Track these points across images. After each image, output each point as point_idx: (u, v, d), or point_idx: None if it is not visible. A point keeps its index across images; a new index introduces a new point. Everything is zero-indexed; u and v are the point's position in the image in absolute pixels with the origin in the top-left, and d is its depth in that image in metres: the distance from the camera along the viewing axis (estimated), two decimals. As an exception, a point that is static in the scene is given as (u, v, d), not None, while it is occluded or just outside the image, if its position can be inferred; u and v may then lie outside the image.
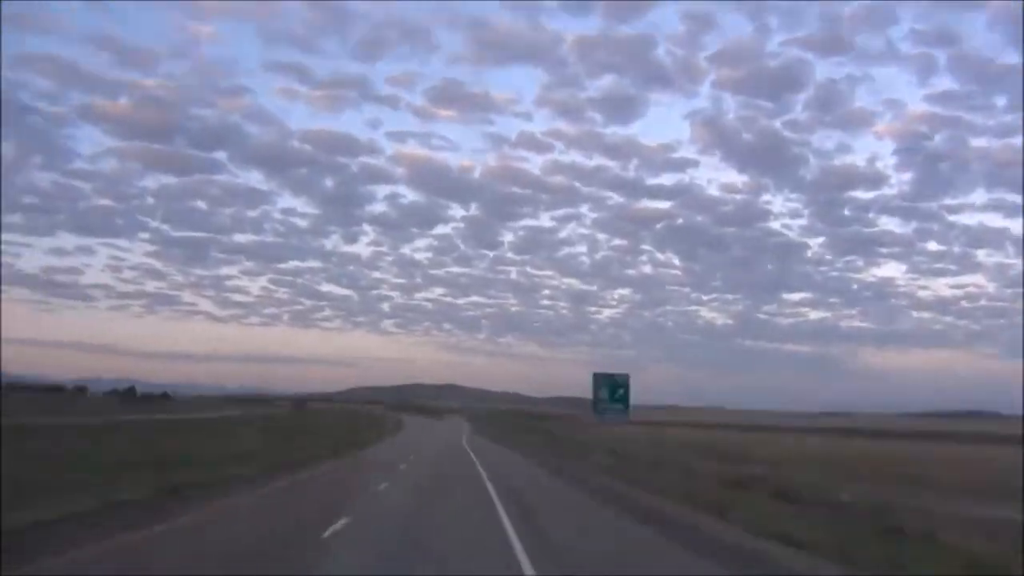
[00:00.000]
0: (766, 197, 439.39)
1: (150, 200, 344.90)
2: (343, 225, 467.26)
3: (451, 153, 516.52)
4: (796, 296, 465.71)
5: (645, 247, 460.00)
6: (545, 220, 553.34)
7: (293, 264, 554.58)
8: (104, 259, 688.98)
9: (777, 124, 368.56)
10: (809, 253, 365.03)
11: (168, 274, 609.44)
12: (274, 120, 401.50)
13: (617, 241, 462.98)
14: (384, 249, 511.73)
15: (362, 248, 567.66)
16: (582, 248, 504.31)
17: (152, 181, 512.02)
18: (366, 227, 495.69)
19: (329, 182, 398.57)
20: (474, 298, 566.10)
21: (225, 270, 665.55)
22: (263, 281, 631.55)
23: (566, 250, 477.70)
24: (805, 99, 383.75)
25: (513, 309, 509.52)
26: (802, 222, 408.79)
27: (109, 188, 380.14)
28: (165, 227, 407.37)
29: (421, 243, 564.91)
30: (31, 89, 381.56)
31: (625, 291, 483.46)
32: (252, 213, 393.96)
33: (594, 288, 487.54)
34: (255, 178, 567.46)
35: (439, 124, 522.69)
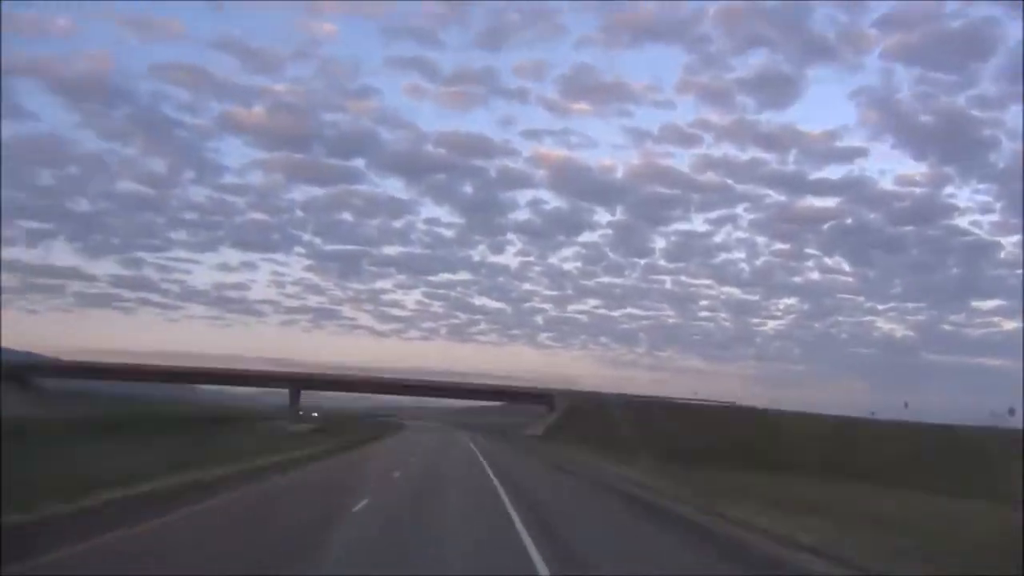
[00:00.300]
0: (949, 189, 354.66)
1: (299, 213, 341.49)
2: (488, 235, 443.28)
3: (590, 151, 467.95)
4: (988, 304, 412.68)
5: (810, 251, 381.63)
6: (698, 223, 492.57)
7: (445, 277, 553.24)
8: (267, 274, 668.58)
9: (961, 100, 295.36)
10: (1002, 254, 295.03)
11: (327, 288, 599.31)
12: (405, 123, 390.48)
13: (778, 245, 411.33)
14: (531, 259, 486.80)
15: (509, 258, 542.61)
16: (740, 254, 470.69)
17: (299, 193, 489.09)
18: (511, 236, 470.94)
19: (468, 188, 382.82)
20: (629, 310, 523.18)
21: (379, 284, 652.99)
22: (417, 295, 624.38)
23: (723, 256, 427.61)
24: (995, 68, 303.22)
25: (670, 321, 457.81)
26: (993, 218, 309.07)
27: (260, 202, 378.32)
28: (317, 240, 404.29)
29: (568, 252, 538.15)
30: (173, 101, 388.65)
31: (791, 300, 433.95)
32: (397, 224, 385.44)
33: (756, 297, 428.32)
34: (395, 186, 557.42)
35: (574, 119, 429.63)
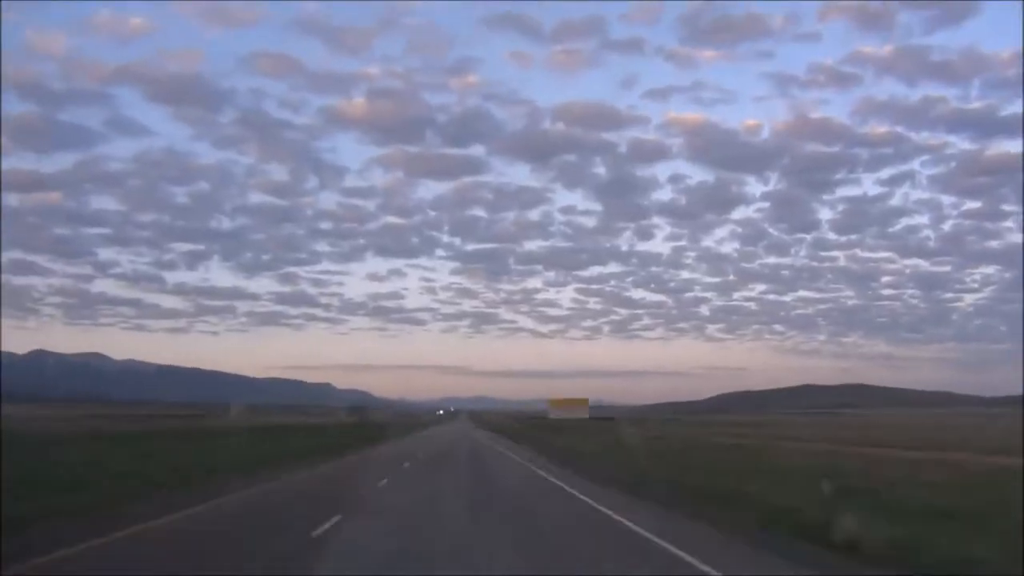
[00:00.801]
0: None
1: (431, 213, 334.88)
2: (631, 219, 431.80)
3: (728, 108, 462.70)
4: None
5: (1009, 207, 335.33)
6: (868, 185, 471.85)
7: (595, 271, 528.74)
8: (416, 281, 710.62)
9: None
10: None
11: (479, 291, 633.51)
12: (517, 97, 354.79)
13: (969, 204, 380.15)
14: (683, 243, 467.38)
15: (659, 245, 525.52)
16: (922, 218, 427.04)
17: (424, 190, 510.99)
18: (656, 219, 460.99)
19: (600, 168, 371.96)
20: (801, 293, 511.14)
21: (530, 283, 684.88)
22: (570, 292, 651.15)
23: (902, 222, 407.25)
24: None
25: (850, 303, 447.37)
26: None
27: (389, 203, 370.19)
28: (456, 241, 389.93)
29: (722, 232, 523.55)
30: (272, 97, 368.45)
31: (989, 269, 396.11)
32: (533, 215, 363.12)
33: (947, 269, 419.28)
34: (521, 173, 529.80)
35: (703, 69, 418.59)
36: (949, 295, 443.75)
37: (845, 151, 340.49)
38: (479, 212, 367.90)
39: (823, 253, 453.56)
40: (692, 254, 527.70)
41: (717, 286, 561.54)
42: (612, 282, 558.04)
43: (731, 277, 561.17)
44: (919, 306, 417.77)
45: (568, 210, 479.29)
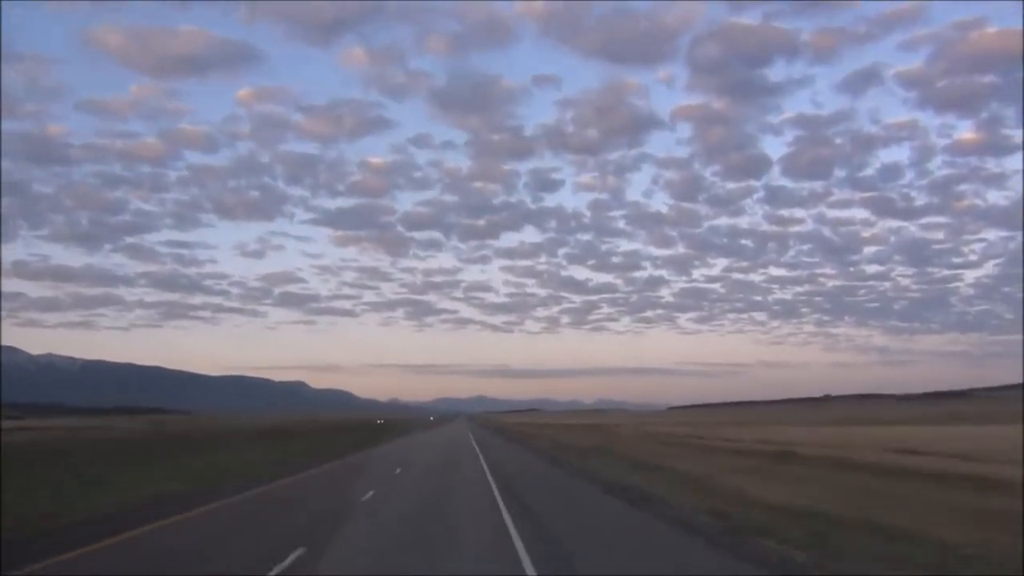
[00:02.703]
0: None
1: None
2: (515, 156, 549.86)
3: None
4: None
5: (1009, 131, 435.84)
6: (823, 93, 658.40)
7: (513, 239, 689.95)
8: (298, 256, 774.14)
9: None
10: None
11: (384, 270, 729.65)
12: None
13: (961, 131, 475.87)
14: (602, 196, 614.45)
15: (570, 198, 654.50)
16: (900, 154, 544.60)
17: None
18: (549, 158, 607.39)
19: (432, 61, 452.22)
20: (772, 271, 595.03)
21: (441, 259, 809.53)
22: (496, 271, 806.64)
23: (876, 162, 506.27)
24: None
25: (831, 284, 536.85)
26: None
27: None
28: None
29: (641, 178, 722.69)
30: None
31: (989, 235, 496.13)
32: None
33: (939, 235, 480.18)
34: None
35: None
36: (945, 271, 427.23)
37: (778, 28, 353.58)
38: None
39: (784, 213, 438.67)
40: (618, 213, 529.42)
41: (669, 261, 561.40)
42: (543, 258, 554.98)
43: (681, 248, 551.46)
44: (910, 286, 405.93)
45: (422, 141, 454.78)
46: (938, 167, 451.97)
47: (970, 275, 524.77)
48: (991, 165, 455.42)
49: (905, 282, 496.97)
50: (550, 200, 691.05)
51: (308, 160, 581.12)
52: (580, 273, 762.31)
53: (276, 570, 9.48)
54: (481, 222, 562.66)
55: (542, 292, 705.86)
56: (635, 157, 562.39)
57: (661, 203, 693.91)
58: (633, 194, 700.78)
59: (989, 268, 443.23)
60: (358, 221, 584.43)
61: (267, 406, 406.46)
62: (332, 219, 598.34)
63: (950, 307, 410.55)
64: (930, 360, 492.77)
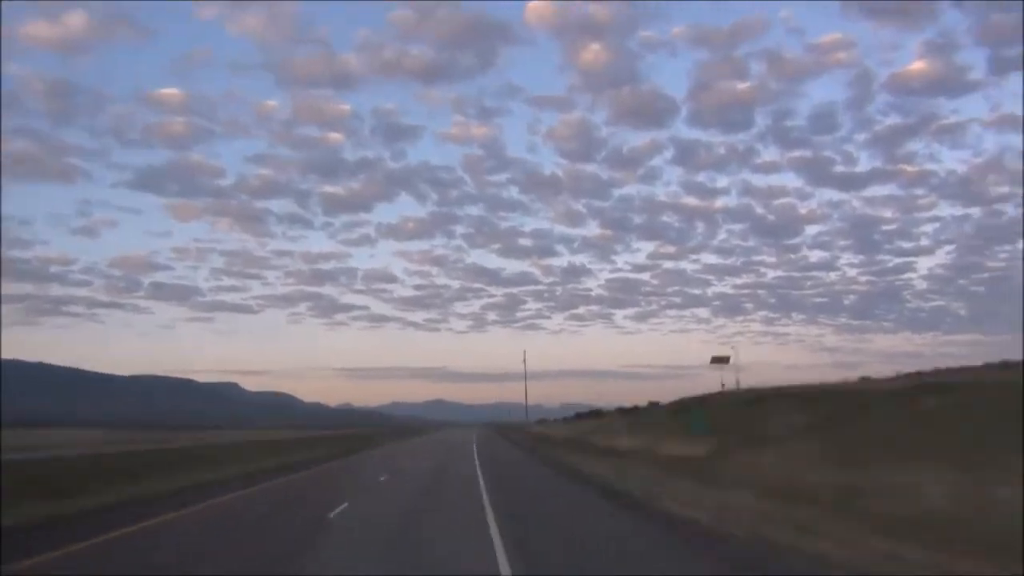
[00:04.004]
0: None
1: None
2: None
3: None
4: None
5: (975, 72, 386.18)
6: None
7: (387, 212, 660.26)
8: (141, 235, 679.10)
9: None
10: None
11: (254, 254, 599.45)
12: None
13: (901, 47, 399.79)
14: (473, 151, 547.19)
15: (432, 152, 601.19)
16: (835, 90, 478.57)
17: None
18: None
19: None
20: (704, 258, 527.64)
21: (310, 239, 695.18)
22: (388, 256, 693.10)
23: (798, 100, 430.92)
24: None
25: (771, 275, 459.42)
26: None
27: None
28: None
29: (514, 124, 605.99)
30: None
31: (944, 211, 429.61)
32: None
33: (888, 213, 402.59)
34: None
35: None
36: (896, 259, 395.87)
37: None
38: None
39: (703, 179, 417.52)
40: (503, 177, 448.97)
41: (587, 245, 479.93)
42: (438, 239, 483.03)
43: (595, 228, 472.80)
44: (857, 279, 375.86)
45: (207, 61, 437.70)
46: (881, 113, 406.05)
47: (923, 264, 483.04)
48: (945, 111, 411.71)
49: (852, 272, 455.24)
50: (413, 155, 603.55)
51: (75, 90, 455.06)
52: (488, 260, 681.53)
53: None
54: (339, 189, 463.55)
55: (454, 283, 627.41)
56: (499, 91, 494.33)
57: (551, 163, 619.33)
58: (514, 149, 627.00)
59: (942, 256, 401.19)
60: (184, 185, 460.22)
61: (193, 411, 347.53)
62: (147, 181, 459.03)
63: (904, 303, 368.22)
64: (882, 363, 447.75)
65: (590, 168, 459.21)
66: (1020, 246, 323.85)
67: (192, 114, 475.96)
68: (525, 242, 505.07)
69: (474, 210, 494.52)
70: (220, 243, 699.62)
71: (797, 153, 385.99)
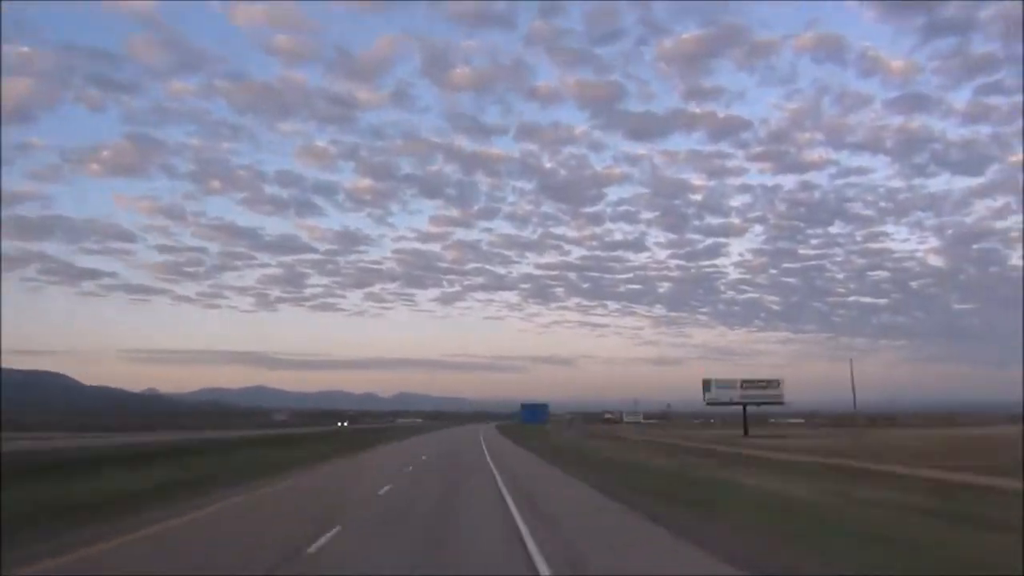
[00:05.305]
0: None
1: None
2: None
3: None
4: None
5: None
6: None
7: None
8: None
9: None
10: None
11: None
12: None
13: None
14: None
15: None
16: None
17: None
18: None
19: None
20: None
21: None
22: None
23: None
24: None
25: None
26: None
27: None
28: None
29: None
30: None
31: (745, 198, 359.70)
32: None
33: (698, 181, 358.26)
34: None
35: None
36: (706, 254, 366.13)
37: None
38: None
39: (470, 112, 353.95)
40: (192, 84, 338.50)
41: (351, 199, 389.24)
42: (160, 182, 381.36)
43: (348, 173, 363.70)
44: (669, 262, 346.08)
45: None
46: (675, 18, 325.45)
47: (735, 248, 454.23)
48: (754, 21, 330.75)
49: (663, 255, 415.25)
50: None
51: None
52: (233, 213, 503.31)
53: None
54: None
55: (209, 246, 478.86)
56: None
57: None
58: (209, 36, 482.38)
59: (752, 239, 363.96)
60: None
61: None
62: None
63: (719, 293, 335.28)
64: (702, 359, 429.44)
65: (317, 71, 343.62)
66: (832, 230, 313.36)
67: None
68: (269, 189, 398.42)
69: (178, 135, 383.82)
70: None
71: (578, 74, 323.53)
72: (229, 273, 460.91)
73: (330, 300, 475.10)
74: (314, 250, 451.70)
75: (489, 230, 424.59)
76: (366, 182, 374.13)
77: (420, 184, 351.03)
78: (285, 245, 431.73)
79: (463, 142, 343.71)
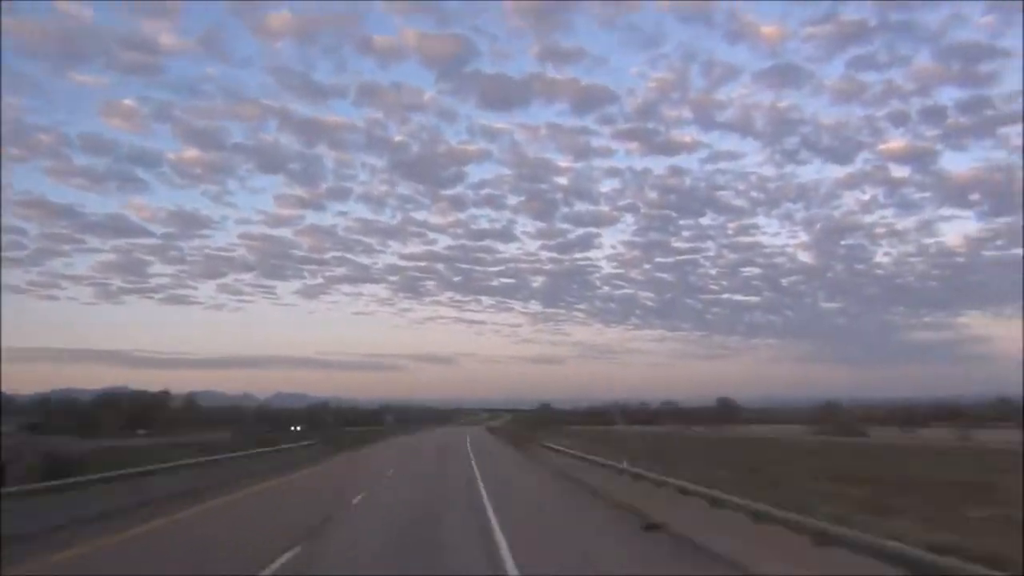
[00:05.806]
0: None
1: None
2: None
3: None
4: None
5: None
6: None
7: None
8: None
9: None
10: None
11: None
12: None
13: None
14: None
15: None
16: None
17: None
18: None
19: None
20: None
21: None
22: None
23: None
24: None
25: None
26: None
27: None
28: None
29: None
30: None
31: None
32: None
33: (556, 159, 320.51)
34: None
35: None
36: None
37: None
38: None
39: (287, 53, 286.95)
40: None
41: (181, 174, 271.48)
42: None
43: (181, 145, 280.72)
44: (540, 254, 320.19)
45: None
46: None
47: (607, 239, 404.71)
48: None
49: (533, 246, 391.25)
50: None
51: None
52: (43, 186, 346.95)
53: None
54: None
55: (27, 226, 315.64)
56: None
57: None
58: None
59: (624, 229, 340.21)
60: None
61: None
62: None
63: (595, 288, 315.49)
64: (582, 357, 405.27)
65: (103, 4, 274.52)
66: (704, 221, 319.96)
67: None
68: (86, 161, 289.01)
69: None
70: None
71: (419, 25, 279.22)
72: (58, 259, 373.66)
73: (181, 292, 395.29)
74: (150, 233, 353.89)
75: (344, 213, 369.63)
76: (192, 152, 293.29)
77: (256, 156, 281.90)
78: (113, 226, 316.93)
79: (296, 105, 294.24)
